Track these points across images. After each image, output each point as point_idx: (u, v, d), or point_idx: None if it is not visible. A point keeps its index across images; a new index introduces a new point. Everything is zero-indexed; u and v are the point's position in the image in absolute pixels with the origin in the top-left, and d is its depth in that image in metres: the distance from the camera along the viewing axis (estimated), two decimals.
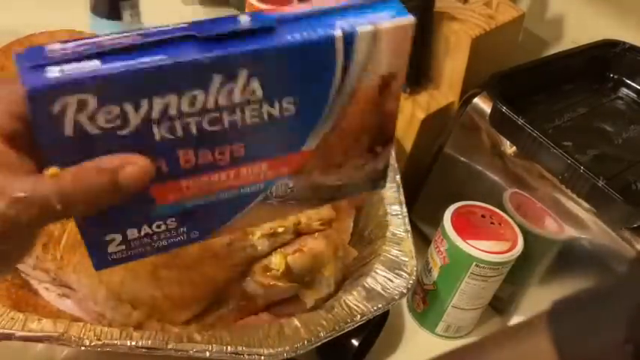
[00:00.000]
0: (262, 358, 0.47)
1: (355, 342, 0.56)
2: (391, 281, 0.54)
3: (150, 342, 0.46)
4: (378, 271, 0.55)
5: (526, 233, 0.59)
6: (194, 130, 0.29)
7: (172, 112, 0.28)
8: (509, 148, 0.61)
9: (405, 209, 0.62)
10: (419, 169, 0.73)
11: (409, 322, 0.66)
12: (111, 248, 0.32)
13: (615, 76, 0.71)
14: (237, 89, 0.29)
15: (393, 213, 0.61)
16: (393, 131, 0.38)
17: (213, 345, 0.46)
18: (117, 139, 0.28)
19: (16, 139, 0.27)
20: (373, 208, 0.64)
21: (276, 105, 0.31)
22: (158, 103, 0.28)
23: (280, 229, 0.50)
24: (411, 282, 0.54)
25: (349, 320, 0.50)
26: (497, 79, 0.63)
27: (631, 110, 0.68)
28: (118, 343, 0.46)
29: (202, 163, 0.31)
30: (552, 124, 0.62)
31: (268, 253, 0.50)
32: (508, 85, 0.62)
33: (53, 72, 0.26)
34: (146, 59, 0.27)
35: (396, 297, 0.53)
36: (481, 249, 0.57)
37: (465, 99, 0.65)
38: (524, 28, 0.77)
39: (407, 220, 0.61)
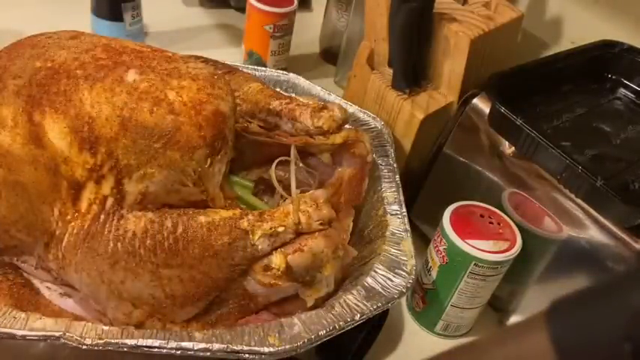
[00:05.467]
0: (262, 356, 0.47)
1: (355, 341, 0.56)
2: (391, 280, 0.54)
3: (151, 341, 0.46)
4: (377, 270, 0.55)
5: (525, 233, 0.59)
6: None
7: None
8: (508, 148, 0.61)
9: (404, 209, 0.62)
10: (418, 169, 0.73)
11: (408, 321, 0.66)
12: None
13: (614, 77, 0.72)
14: None
15: (393, 213, 0.62)
16: None
17: (214, 344, 0.47)
18: None
19: None
20: (373, 208, 0.64)
21: None
22: None
23: (280, 229, 0.50)
24: (410, 281, 0.54)
25: (349, 319, 0.50)
26: (496, 80, 0.63)
27: (629, 110, 0.69)
28: (119, 342, 0.46)
29: None
30: (551, 125, 0.62)
31: (269, 253, 0.50)
32: (507, 86, 0.62)
33: None
34: None
35: (396, 296, 0.53)
36: (480, 248, 0.57)
37: (464, 99, 0.65)
38: (523, 29, 0.77)
39: (406, 219, 0.61)
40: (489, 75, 0.64)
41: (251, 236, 0.50)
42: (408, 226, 0.60)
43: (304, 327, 0.49)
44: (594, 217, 0.54)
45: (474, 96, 0.64)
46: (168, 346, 0.46)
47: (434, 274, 0.61)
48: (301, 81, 0.78)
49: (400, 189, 0.65)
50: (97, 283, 0.50)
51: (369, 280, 0.54)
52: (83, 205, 0.50)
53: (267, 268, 0.50)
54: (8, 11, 0.95)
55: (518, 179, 0.61)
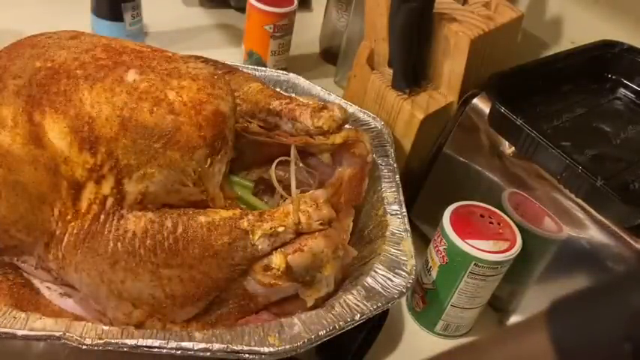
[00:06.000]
0: (262, 357, 0.47)
1: (355, 341, 0.56)
2: (391, 280, 0.54)
3: (151, 341, 0.46)
4: (377, 270, 0.55)
5: (525, 233, 0.59)
6: None
7: None
8: (508, 148, 0.61)
9: (404, 209, 0.62)
10: (418, 169, 0.73)
11: (408, 321, 0.66)
12: None
13: (613, 77, 0.72)
14: None
15: (393, 213, 0.62)
16: None
17: (214, 344, 0.47)
18: None
19: None
20: (373, 208, 0.64)
21: None
22: None
23: (280, 229, 0.50)
24: (410, 281, 0.54)
25: (349, 319, 0.50)
26: (496, 80, 0.63)
27: (629, 110, 0.69)
28: (119, 342, 0.46)
29: None
30: (551, 125, 0.62)
31: (269, 253, 0.50)
32: (507, 86, 0.62)
33: None
34: None
35: (396, 296, 0.53)
36: (480, 248, 0.57)
37: (464, 99, 0.65)
38: (523, 29, 0.77)
39: (406, 219, 0.61)
40: (489, 75, 0.64)
41: (251, 236, 0.50)
42: (408, 226, 0.60)
43: (304, 327, 0.49)
44: (594, 217, 0.54)
45: (474, 96, 0.64)
46: (168, 346, 0.46)
47: (434, 274, 0.61)
48: (301, 81, 0.78)
49: (400, 189, 0.65)
50: (97, 283, 0.50)
51: (369, 280, 0.54)
52: (83, 205, 0.50)
53: (267, 268, 0.50)
54: (8, 11, 0.95)
55: (518, 179, 0.61)
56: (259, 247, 0.50)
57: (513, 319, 0.65)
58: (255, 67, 0.79)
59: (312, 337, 0.48)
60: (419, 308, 0.65)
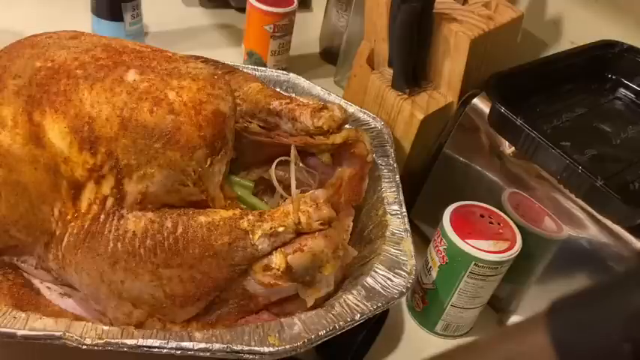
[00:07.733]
0: (263, 357, 0.47)
1: (355, 341, 0.56)
2: (391, 280, 0.54)
3: (151, 341, 0.46)
4: (377, 270, 0.55)
5: (525, 233, 0.59)
6: None
7: None
8: (507, 148, 0.61)
9: (404, 209, 0.62)
10: (418, 169, 0.73)
11: (409, 321, 0.66)
12: None
13: (613, 77, 0.72)
14: None
15: (393, 213, 0.62)
16: None
17: (214, 344, 0.47)
18: None
19: None
20: (373, 208, 0.64)
21: None
22: None
23: (280, 229, 0.50)
24: (410, 281, 0.54)
25: (349, 319, 0.50)
26: (496, 80, 0.63)
27: (629, 110, 0.69)
28: (120, 342, 0.46)
29: None
30: (551, 125, 0.62)
31: (269, 253, 0.50)
32: (507, 86, 0.62)
33: None
34: None
35: (396, 296, 0.53)
36: (480, 248, 0.57)
37: (464, 99, 0.65)
38: (523, 29, 0.77)
39: (406, 219, 0.61)
40: (489, 75, 0.64)
41: (251, 236, 0.50)
42: (408, 226, 0.60)
43: (304, 327, 0.49)
44: (594, 217, 0.54)
45: (474, 96, 0.64)
46: (168, 346, 0.46)
47: (434, 274, 0.61)
48: (301, 81, 0.78)
49: (400, 189, 0.65)
50: (97, 283, 0.50)
51: (369, 280, 0.54)
52: (83, 205, 0.50)
53: (267, 268, 0.50)
54: (8, 11, 0.95)
55: (518, 179, 0.61)
56: (259, 247, 0.50)
57: (513, 319, 0.65)
58: (255, 67, 0.79)
59: (312, 337, 0.48)
60: (419, 308, 0.65)
